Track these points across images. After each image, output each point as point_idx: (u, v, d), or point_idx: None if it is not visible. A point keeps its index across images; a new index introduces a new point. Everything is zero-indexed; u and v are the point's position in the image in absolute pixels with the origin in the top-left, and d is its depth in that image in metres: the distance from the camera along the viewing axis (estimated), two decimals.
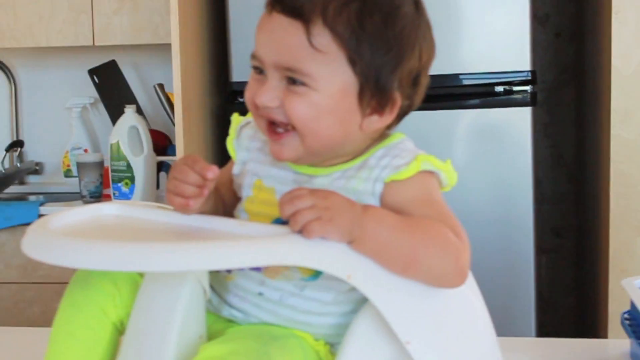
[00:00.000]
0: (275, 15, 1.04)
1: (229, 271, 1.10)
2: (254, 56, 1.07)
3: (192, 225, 1.03)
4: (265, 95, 1.04)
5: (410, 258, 0.97)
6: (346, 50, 1.02)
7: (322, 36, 1.01)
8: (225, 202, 1.17)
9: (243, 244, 0.91)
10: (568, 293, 3.16)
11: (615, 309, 2.30)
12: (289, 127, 1.05)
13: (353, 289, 1.01)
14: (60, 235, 0.95)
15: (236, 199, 1.16)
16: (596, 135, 2.57)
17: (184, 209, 1.05)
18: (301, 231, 0.94)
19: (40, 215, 2.69)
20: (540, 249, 2.98)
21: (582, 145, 2.95)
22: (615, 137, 2.30)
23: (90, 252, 0.90)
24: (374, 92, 1.04)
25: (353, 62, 1.02)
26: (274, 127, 1.06)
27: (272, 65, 1.04)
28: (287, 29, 1.03)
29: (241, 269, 1.08)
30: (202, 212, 1.07)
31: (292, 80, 1.03)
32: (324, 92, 1.02)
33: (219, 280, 1.11)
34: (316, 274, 1.05)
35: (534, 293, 2.46)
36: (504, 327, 2.37)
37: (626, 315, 1.32)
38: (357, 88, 1.04)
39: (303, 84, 1.02)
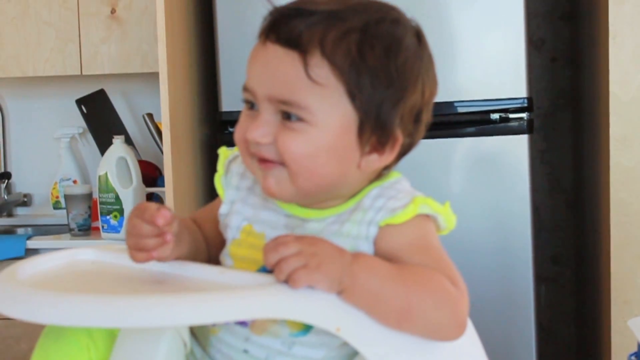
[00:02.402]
0: (269, 45, 0.98)
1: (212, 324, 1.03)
2: (245, 89, 1.00)
3: (170, 273, 0.97)
4: (257, 130, 0.97)
5: (405, 310, 0.90)
6: (346, 83, 0.96)
7: (321, 67, 0.95)
8: (209, 242, 1.10)
9: (222, 298, 0.84)
10: (568, 322, 3.09)
11: (618, 342, 2.23)
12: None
13: (345, 344, 0.94)
14: (28, 287, 0.88)
15: (221, 238, 1.09)
16: (595, 162, 2.52)
17: (156, 260, 0.98)
18: (287, 281, 0.87)
19: (27, 250, 2.63)
20: (539, 277, 2.92)
21: (580, 172, 2.89)
22: (615, 165, 2.24)
23: (59, 306, 0.84)
24: (375, 128, 0.98)
25: (353, 95, 0.96)
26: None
27: (265, 98, 0.97)
28: (283, 59, 0.96)
29: (225, 323, 1.01)
30: (179, 256, 1.00)
31: (287, 115, 0.96)
32: (322, 128, 0.96)
33: (203, 333, 1.04)
34: (306, 329, 0.97)
35: (534, 322, 2.40)
36: (505, 358, 2.32)
37: (633, 358, 1.26)
38: (356, 124, 0.97)
39: (299, 119, 0.96)
